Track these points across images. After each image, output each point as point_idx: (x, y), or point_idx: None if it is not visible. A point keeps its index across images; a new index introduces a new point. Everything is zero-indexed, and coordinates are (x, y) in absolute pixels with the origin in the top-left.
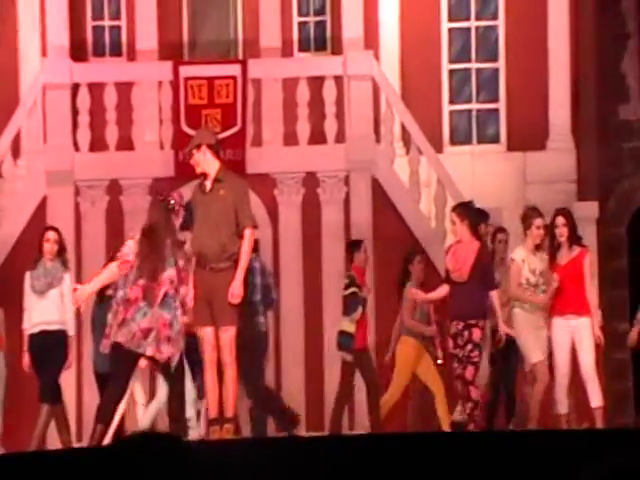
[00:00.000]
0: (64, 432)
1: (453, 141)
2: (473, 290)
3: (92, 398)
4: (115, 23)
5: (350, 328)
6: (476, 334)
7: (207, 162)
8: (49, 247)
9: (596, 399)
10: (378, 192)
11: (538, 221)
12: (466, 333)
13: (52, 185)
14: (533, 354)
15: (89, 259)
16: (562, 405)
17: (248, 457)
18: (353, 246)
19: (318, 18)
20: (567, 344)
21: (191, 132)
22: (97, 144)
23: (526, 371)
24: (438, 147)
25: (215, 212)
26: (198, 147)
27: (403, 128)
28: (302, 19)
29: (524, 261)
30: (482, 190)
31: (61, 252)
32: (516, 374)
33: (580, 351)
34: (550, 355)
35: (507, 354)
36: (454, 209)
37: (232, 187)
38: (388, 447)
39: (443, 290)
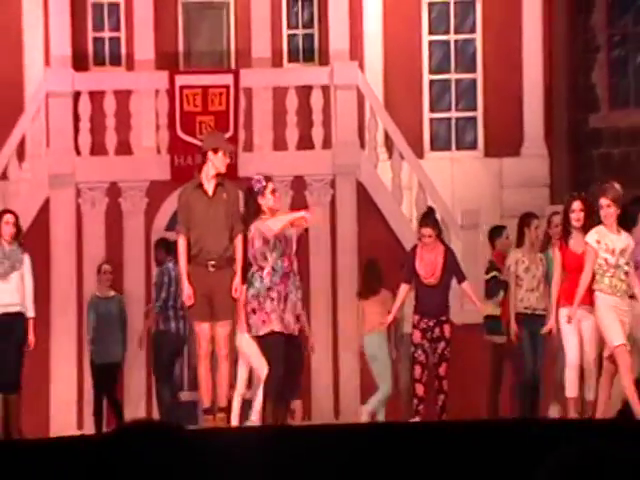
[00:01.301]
0: (13, 422)
1: (433, 147)
2: (442, 290)
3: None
4: (115, 35)
5: (496, 311)
6: (447, 330)
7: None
8: (8, 229)
9: (590, 392)
10: (362, 195)
11: (602, 200)
12: (437, 329)
13: (54, 187)
14: (615, 337)
15: (89, 257)
16: (590, 392)
17: (254, 446)
18: (494, 232)
19: (306, 31)
20: (576, 334)
21: (186, 138)
22: (97, 149)
23: (605, 356)
24: (419, 153)
25: (219, 214)
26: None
27: (386, 135)
28: (291, 32)
29: (599, 242)
30: (460, 193)
31: (18, 235)
32: (543, 356)
33: (584, 343)
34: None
35: (533, 336)
36: (427, 224)
37: (232, 193)
38: (383, 438)
39: (403, 290)
